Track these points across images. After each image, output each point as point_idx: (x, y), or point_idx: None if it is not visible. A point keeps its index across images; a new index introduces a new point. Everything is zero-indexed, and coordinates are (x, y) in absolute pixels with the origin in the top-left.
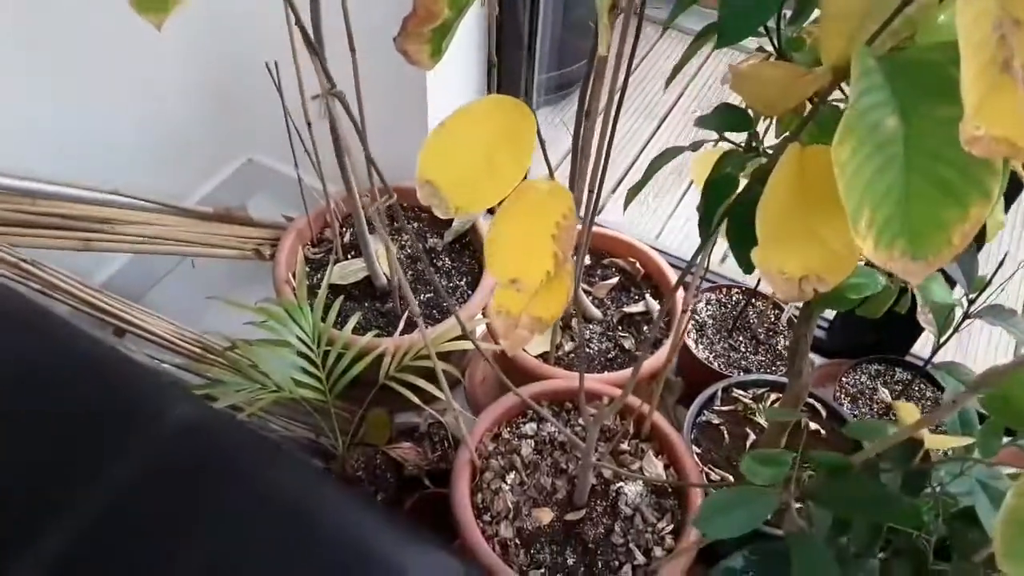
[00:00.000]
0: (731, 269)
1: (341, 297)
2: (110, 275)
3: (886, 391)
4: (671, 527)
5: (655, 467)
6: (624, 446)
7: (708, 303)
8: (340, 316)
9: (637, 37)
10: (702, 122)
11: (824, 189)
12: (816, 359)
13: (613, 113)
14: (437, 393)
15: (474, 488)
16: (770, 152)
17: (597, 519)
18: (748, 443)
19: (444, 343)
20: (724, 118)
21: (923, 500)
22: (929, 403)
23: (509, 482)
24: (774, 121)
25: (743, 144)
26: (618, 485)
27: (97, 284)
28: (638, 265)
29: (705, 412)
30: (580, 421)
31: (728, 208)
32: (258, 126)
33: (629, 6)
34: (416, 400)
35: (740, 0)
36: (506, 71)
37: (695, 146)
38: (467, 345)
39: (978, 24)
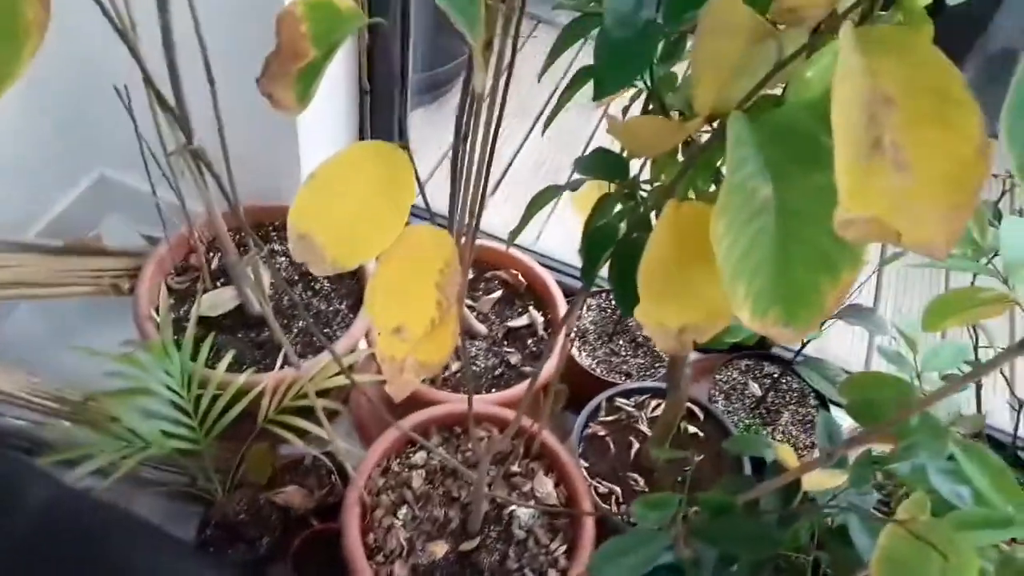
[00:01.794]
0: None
1: (212, 332)
2: None
3: (756, 385)
4: (564, 547)
5: (545, 486)
6: (515, 467)
7: (588, 308)
8: (212, 351)
9: (510, 73)
10: (580, 167)
11: (700, 244)
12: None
13: (491, 139)
14: (320, 432)
15: (365, 527)
16: (645, 195)
17: (491, 546)
18: (632, 452)
19: (325, 380)
20: (601, 164)
21: (800, 521)
22: (796, 395)
23: (401, 517)
24: (649, 161)
25: (619, 182)
26: (511, 508)
27: None
28: (520, 277)
29: (590, 424)
30: (471, 446)
31: (610, 256)
32: (107, 139)
33: (505, 33)
34: (298, 442)
35: (614, 52)
36: (377, 94)
37: (574, 185)
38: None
39: (851, 104)
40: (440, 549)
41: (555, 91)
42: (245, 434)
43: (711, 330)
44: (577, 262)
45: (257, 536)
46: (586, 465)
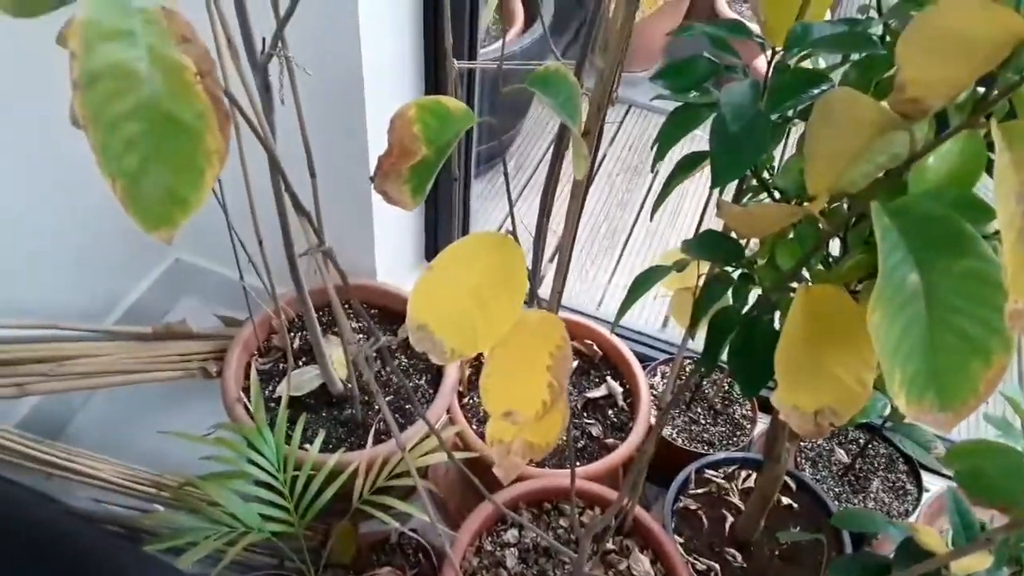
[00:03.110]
0: (675, 335)
1: (301, 413)
2: (33, 405)
3: (843, 452)
4: None
5: (642, 564)
6: (609, 544)
7: (663, 376)
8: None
9: (595, 158)
10: (691, 251)
11: (832, 327)
12: (764, 418)
13: (576, 219)
14: (415, 512)
15: None
16: (755, 268)
17: None
18: (727, 525)
19: (420, 457)
20: (713, 246)
21: None
22: (884, 460)
23: None
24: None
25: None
26: None
27: (19, 419)
28: (595, 347)
29: (681, 498)
30: (562, 522)
31: (732, 341)
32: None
33: (594, 121)
34: (394, 524)
35: (732, 142)
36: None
37: (680, 266)
38: (442, 457)
39: (1008, 199)
40: None
41: (603, 159)
42: (334, 514)
43: (847, 412)
44: (643, 327)
45: None
46: (680, 541)
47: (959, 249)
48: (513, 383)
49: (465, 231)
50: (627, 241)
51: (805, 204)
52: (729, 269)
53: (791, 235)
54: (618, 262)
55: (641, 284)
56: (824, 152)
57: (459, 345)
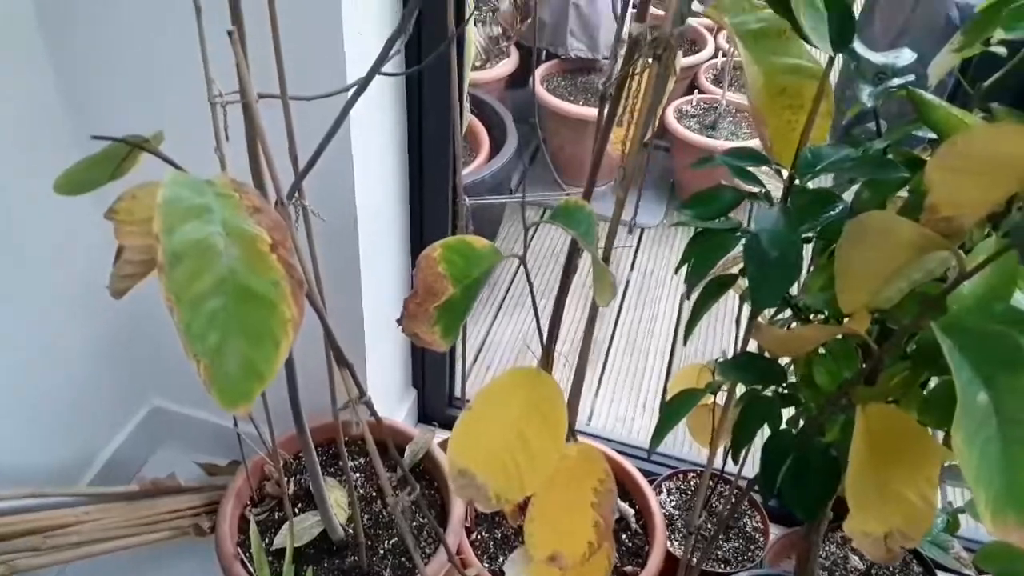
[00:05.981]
0: (673, 447)
1: (310, 568)
2: None
3: (856, 558)
4: None
5: None
6: None
7: (669, 492)
8: None
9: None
10: (727, 373)
11: (893, 446)
12: (775, 529)
13: (587, 344)
14: None
15: None
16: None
17: None
18: None
19: None
20: (752, 369)
21: None
22: (899, 564)
23: None
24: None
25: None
26: None
27: None
28: None
29: None
30: None
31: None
32: (160, 371)
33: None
34: None
35: (770, 268)
36: None
37: (715, 388)
38: None
39: None
40: None
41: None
42: None
43: (916, 533)
44: (634, 440)
45: None
46: None
47: (1020, 364)
48: (557, 524)
49: (452, 358)
50: (608, 353)
51: (843, 322)
52: (758, 387)
53: (821, 351)
54: (601, 375)
55: (675, 410)
56: (858, 272)
57: (504, 489)
